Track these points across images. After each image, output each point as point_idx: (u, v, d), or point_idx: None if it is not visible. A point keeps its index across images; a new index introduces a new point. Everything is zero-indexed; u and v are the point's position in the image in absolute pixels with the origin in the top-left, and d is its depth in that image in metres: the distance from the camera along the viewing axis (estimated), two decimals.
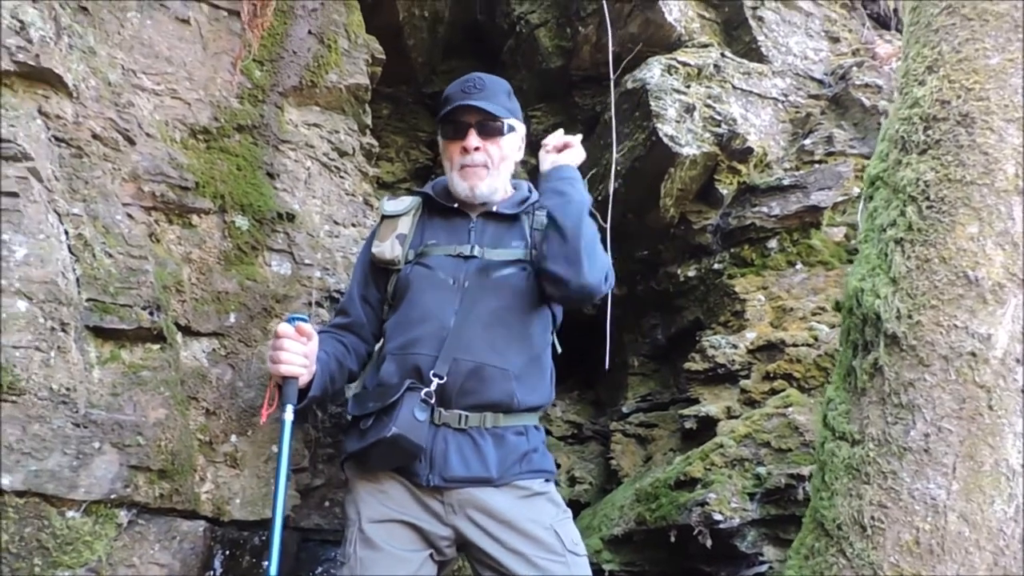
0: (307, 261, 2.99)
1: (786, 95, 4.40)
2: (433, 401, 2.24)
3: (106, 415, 2.24)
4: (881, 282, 2.16)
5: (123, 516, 2.26)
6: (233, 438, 2.62)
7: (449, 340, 2.29)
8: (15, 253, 2.12)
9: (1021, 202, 2.00)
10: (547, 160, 2.55)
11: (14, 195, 2.14)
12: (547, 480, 2.39)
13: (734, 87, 4.22)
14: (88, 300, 2.30)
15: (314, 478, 2.86)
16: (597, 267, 2.32)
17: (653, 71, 4.02)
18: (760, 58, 4.44)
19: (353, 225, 3.27)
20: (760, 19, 4.52)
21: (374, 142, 3.62)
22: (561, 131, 2.61)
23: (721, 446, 3.41)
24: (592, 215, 2.43)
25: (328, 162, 3.26)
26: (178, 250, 2.69)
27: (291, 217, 2.98)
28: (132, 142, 2.59)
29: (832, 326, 3.67)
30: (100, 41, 2.63)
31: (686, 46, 4.30)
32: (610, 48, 3.98)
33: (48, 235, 2.19)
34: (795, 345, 3.69)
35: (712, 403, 3.84)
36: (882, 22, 5.05)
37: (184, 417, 2.47)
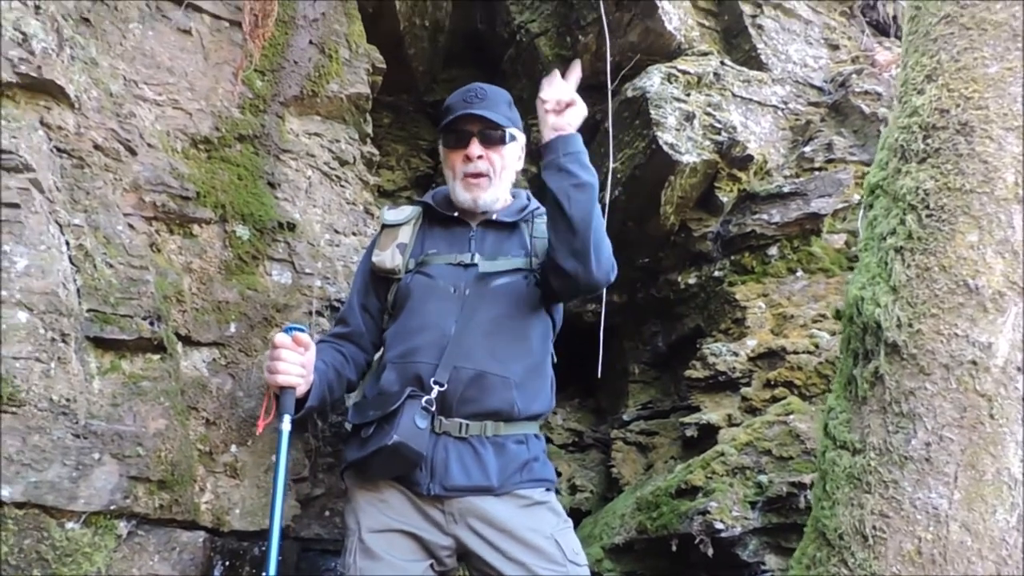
0: (308, 270, 2.99)
1: (786, 103, 4.40)
2: (434, 409, 2.24)
3: (106, 426, 2.24)
4: (881, 291, 2.16)
5: (123, 527, 2.26)
6: (233, 448, 2.62)
7: (450, 348, 2.29)
8: (16, 264, 2.13)
9: (1021, 210, 2.00)
10: (547, 124, 2.35)
11: (15, 206, 2.15)
12: (548, 489, 2.39)
13: (734, 95, 4.23)
14: (89, 311, 2.31)
15: (314, 488, 2.86)
16: (604, 260, 2.32)
17: (653, 79, 4.02)
18: (760, 66, 4.45)
19: (354, 234, 3.27)
20: (759, 27, 4.53)
21: (375, 151, 3.63)
22: (558, 78, 2.35)
23: (722, 454, 3.40)
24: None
25: (329, 171, 3.26)
26: (179, 260, 2.69)
27: (292, 226, 2.98)
28: (133, 152, 2.59)
29: (833, 333, 3.66)
30: (102, 52, 2.64)
31: (686, 54, 4.30)
32: (608, 57, 3.98)
33: (49, 246, 2.19)
34: (796, 352, 3.69)
35: (713, 411, 3.83)
36: (881, 29, 5.06)
37: (184, 427, 2.47)
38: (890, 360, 2.08)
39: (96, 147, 2.47)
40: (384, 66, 3.58)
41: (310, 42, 3.22)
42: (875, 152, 2.45)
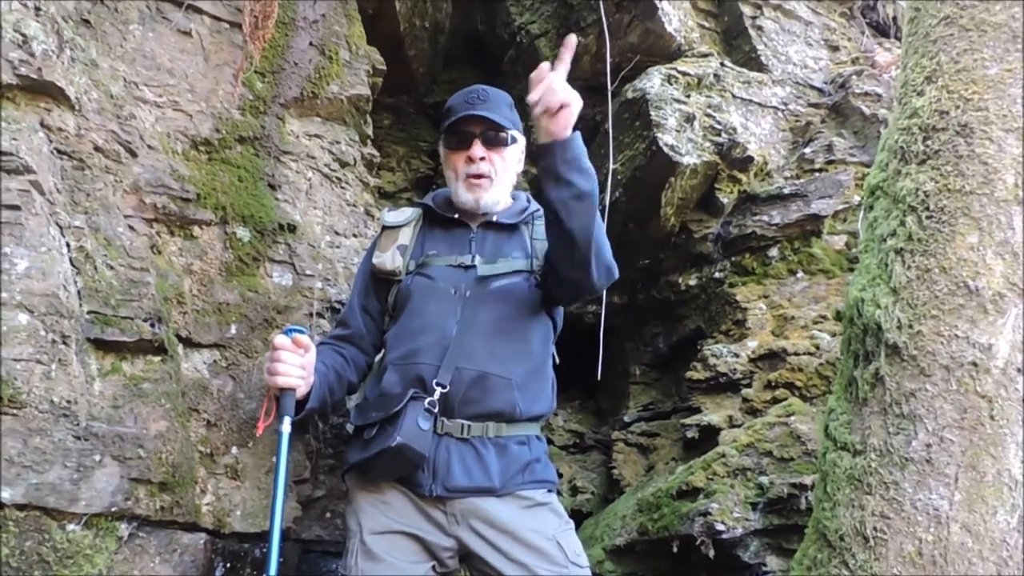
0: (308, 272, 2.99)
1: (786, 104, 4.41)
2: (436, 410, 2.24)
3: (107, 428, 2.24)
4: (882, 292, 2.16)
5: (124, 529, 2.26)
6: (234, 450, 2.62)
7: (451, 350, 2.29)
8: (16, 266, 2.13)
9: (1021, 212, 2.00)
10: (542, 128, 2.16)
11: (16, 208, 2.15)
12: (549, 491, 2.39)
13: (734, 96, 4.23)
14: (89, 312, 2.31)
15: (315, 489, 2.86)
16: (604, 266, 2.31)
17: (653, 81, 4.03)
18: (760, 67, 4.45)
19: (354, 235, 3.27)
20: (759, 28, 4.53)
21: (375, 152, 3.63)
22: (547, 73, 2.10)
23: (723, 455, 3.40)
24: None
25: (329, 173, 3.26)
26: (179, 262, 2.69)
27: (292, 228, 2.98)
28: (134, 154, 2.59)
29: (833, 334, 3.66)
30: (102, 54, 2.64)
31: (686, 56, 4.30)
32: (608, 58, 3.98)
33: (50, 248, 2.20)
34: (796, 354, 3.69)
35: (714, 412, 3.83)
36: (881, 30, 5.06)
37: (185, 429, 2.47)
38: (890, 361, 2.08)
39: (96, 149, 2.47)
40: (384, 67, 3.59)
41: (310, 44, 3.22)
42: (875, 153, 2.45)
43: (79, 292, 2.29)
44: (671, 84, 4.06)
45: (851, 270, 3.78)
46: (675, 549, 3.35)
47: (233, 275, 2.80)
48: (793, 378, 3.64)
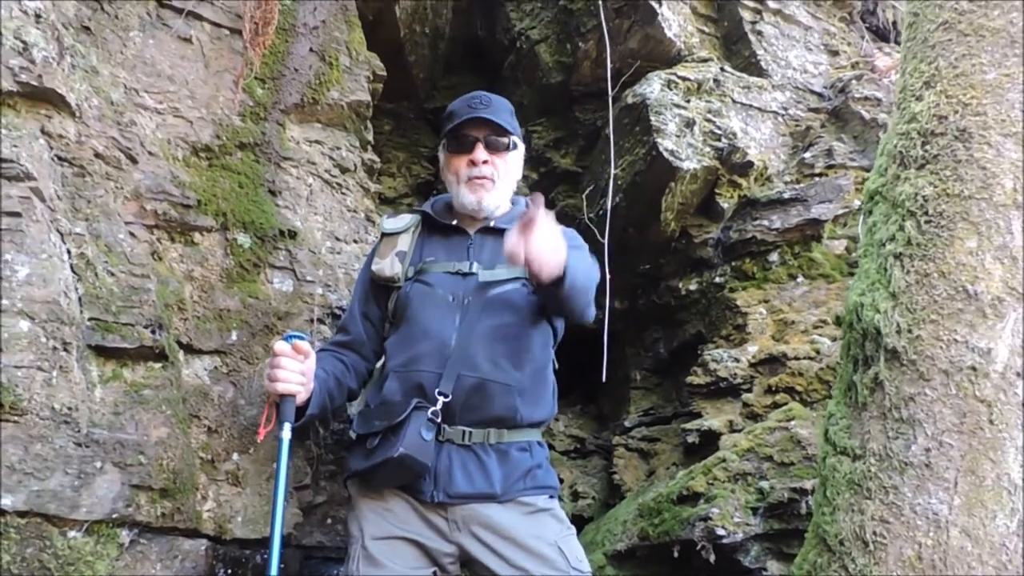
0: (309, 278, 2.99)
1: (786, 108, 4.41)
2: (439, 420, 2.24)
3: (108, 434, 2.24)
4: (881, 297, 2.16)
5: (125, 535, 2.26)
6: (235, 456, 2.62)
7: (452, 357, 2.29)
8: (17, 273, 2.13)
9: (1019, 216, 2.00)
10: (535, 276, 2.08)
11: (16, 215, 2.15)
12: (551, 496, 2.39)
13: (734, 101, 4.23)
14: (90, 319, 2.31)
15: (316, 495, 2.86)
16: (591, 304, 2.39)
17: (653, 86, 4.03)
18: (760, 72, 4.45)
19: (355, 241, 3.28)
20: (759, 33, 4.53)
21: (376, 158, 3.63)
22: (517, 244, 1.98)
23: (724, 460, 3.40)
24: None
25: (330, 178, 3.27)
26: (180, 268, 2.70)
27: (293, 234, 2.99)
28: (134, 161, 2.60)
29: (834, 339, 3.66)
30: (103, 61, 2.65)
31: (686, 61, 4.31)
32: (608, 64, 3.99)
33: (50, 254, 2.20)
34: (797, 358, 3.68)
35: (714, 417, 3.83)
36: (881, 35, 5.06)
37: (186, 435, 2.47)
38: (890, 366, 2.09)
39: (97, 155, 2.48)
40: (384, 73, 3.59)
41: (310, 50, 3.23)
42: (875, 158, 2.46)
43: (80, 299, 2.30)
44: (671, 89, 4.06)
45: (851, 274, 3.77)
46: (676, 554, 3.34)
47: (234, 281, 2.80)
48: (793, 383, 3.64)
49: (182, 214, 2.69)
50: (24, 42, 2.25)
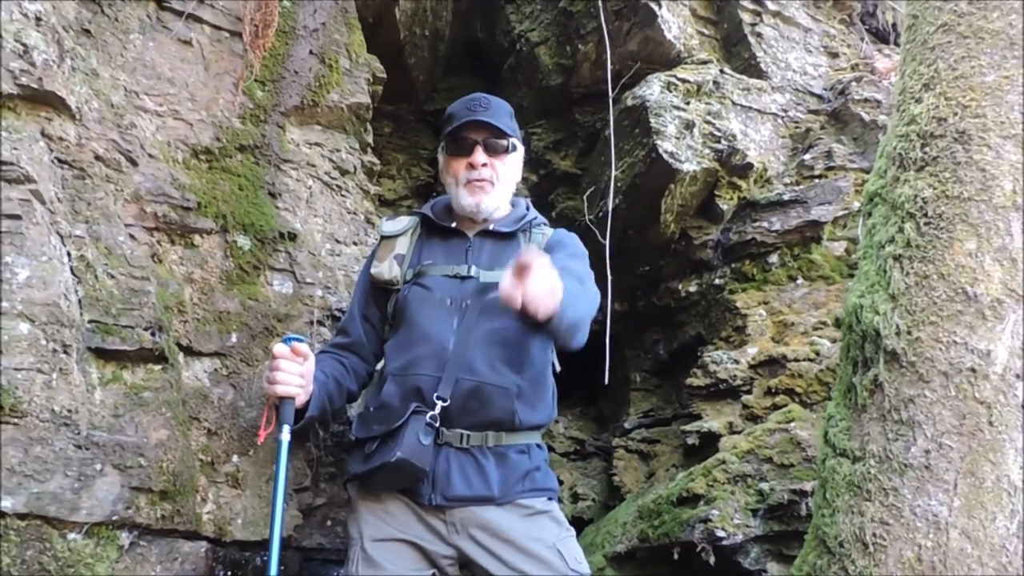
0: (308, 280, 3.00)
1: (785, 110, 4.41)
2: (437, 424, 2.24)
3: (108, 437, 2.24)
4: (880, 298, 2.16)
5: (125, 538, 2.26)
6: (235, 458, 2.62)
7: (451, 361, 2.29)
8: (17, 275, 2.13)
9: (1019, 218, 2.00)
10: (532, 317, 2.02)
11: (16, 217, 2.16)
12: (550, 499, 2.39)
13: (733, 103, 4.24)
14: (90, 321, 2.31)
15: (316, 497, 2.86)
16: (584, 334, 2.30)
17: (653, 88, 4.03)
18: (759, 74, 4.46)
19: (355, 243, 3.28)
20: (759, 35, 4.54)
21: (375, 160, 3.64)
22: (512, 289, 1.93)
23: (723, 462, 3.40)
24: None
25: (330, 181, 3.27)
26: (180, 270, 2.70)
27: (292, 236, 2.99)
28: (134, 163, 2.60)
29: (834, 341, 3.66)
30: (103, 63, 2.65)
31: (685, 63, 4.31)
32: (609, 66, 3.99)
33: (50, 257, 2.20)
34: (797, 360, 3.69)
35: (714, 419, 3.83)
36: (881, 37, 5.06)
37: (186, 438, 2.47)
38: (889, 368, 2.09)
39: (97, 158, 2.48)
40: (384, 75, 3.60)
41: (310, 52, 3.23)
42: (875, 160, 2.46)
43: (80, 301, 2.30)
44: (671, 91, 4.07)
45: (851, 276, 3.77)
46: (676, 556, 3.35)
47: (234, 283, 2.80)
48: (793, 384, 3.64)
49: (182, 216, 2.69)
50: (24, 45, 2.25)
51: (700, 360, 4.03)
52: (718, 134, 4.02)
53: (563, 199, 4.65)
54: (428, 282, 2.43)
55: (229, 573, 2.56)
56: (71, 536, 2.15)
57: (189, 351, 2.65)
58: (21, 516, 2.07)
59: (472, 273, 2.42)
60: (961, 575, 1.92)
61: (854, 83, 4.41)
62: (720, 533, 3.16)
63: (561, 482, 4.51)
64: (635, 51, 4.32)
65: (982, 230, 2.02)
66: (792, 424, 3.38)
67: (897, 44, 4.83)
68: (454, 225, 2.54)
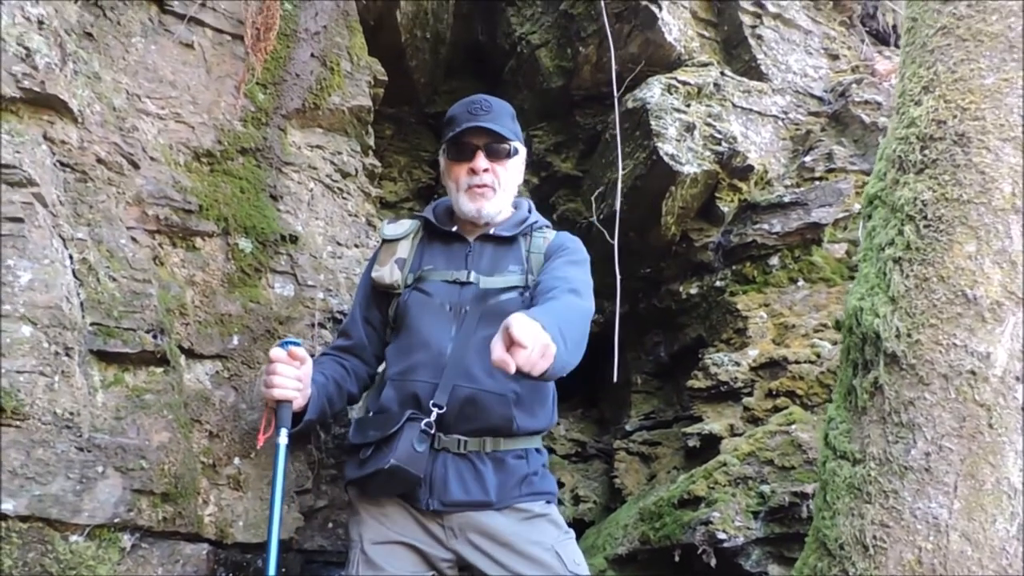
0: (310, 282, 3.00)
1: (786, 112, 4.42)
2: (433, 431, 2.24)
3: (109, 439, 2.25)
4: (880, 301, 2.16)
5: (126, 540, 2.26)
6: (236, 460, 2.63)
7: (448, 368, 2.29)
8: (20, 278, 2.14)
9: (1018, 220, 2.01)
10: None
11: (19, 220, 2.16)
12: (548, 502, 2.39)
13: (734, 105, 4.24)
14: (92, 324, 2.31)
15: (317, 499, 2.86)
16: (579, 357, 2.18)
17: (653, 90, 4.04)
18: (760, 76, 4.46)
19: (356, 246, 3.28)
20: (759, 37, 4.54)
21: (377, 163, 3.64)
22: (504, 355, 1.82)
23: (724, 464, 3.40)
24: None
25: (331, 183, 3.28)
26: (182, 273, 2.70)
27: (294, 239, 2.99)
28: (136, 166, 2.61)
29: (834, 343, 3.67)
30: (105, 66, 2.66)
31: (686, 65, 4.32)
32: (612, 67, 4.00)
33: (52, 260, 2.20)
34: (797, 362, 3.69)
35: (715, 421, 3.84)
36: (881, 39, 5.07)
37: (187, 440, 2.47)
38: (889, 370, 2.09)
39: (99, 161, 2.48)
40: (385, 78, 3.61)
41: (312, 55, 3.24)
42: (875, 162, 2.46)
43: (82, 304, 2.30)
44: (671, 94, 4.07)
45: (852, 278, 3.78)
46: (677, 558, 3.35)
47: (235, 286, 2.81)
48: (794, 386, 3.64)
49: (184, 219, 2.70)
50: (27, 48, 2.25)
51: (701, 362, 4.03)
52: (719, 136, 4.02)
53: (564, 201, 4.65)
54: (428, 287, 2.43)
55: (230, 575, 2.56)
56: (73, 538, 2.15)
57: (191, 353, 2.65)
58: (23, 518, 2.07)
59: (471, 279, 2.41)
60: None
61: (854, 85, 4.42)
62: (721, 535, 3.16)
63: (562, 484, 4.51)
64: (636, 53, 4.33)
65: (982, 233, 2.02)
66: (793, 426, 3.39)
67: (897, 46, 4.83)
68: (455, 229, 2.53)
